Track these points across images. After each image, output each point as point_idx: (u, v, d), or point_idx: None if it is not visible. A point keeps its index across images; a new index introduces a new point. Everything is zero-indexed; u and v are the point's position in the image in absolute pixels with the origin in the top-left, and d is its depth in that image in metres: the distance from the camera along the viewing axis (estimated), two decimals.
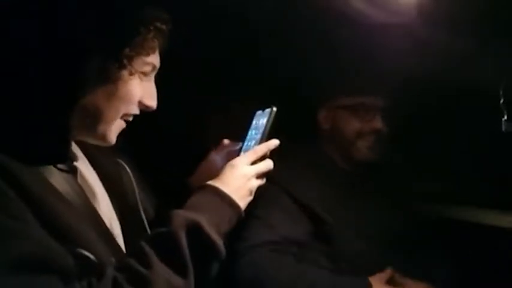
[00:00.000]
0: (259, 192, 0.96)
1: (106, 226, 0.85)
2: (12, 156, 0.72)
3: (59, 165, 0.81)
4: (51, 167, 0.79)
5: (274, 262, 1.30)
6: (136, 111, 0.87)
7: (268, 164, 0.97)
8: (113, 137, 0.86)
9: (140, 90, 0.85)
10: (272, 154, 0.99)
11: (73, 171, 0.84)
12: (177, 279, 0.78)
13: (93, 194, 0.87)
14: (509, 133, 1.30)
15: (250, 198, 0.94)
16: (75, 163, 0.85)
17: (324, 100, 1.53)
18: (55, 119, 0.76)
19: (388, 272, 1.34)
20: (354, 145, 1.48)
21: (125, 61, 0.80)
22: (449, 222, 1.57)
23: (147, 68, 0.85)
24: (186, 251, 0.80)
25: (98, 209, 0.85)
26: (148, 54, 0.84)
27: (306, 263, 1.36)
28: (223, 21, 1.47)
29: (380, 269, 1.35)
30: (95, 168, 0.92)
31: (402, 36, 1.34)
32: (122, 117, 0.85)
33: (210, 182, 0.92)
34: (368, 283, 1.31)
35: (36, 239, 0.69)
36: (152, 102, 0.88)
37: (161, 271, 0.77)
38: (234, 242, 1.33)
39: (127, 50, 0.79)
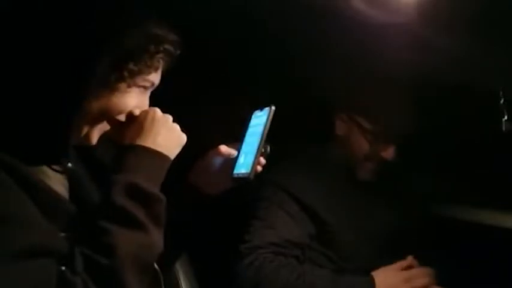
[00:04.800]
0: (261, 193, 0.95)
1: None
2: (9, 154, 0.72)
3: (54, 166, 0.81)
4: (46, 168, 0.80)
5: (275, 264, 1.30)
6: (123, 118, 0.86)
7: None
8: (94, 138, 0.85)
9: (134, 102, 0.85)
10: (274, 154, 0.99)
11: (69, 172, 0.84)
12: (139, 235, 0.76)
13: (89, 196, 0.87)
14: (509, 133, 1.30)
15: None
16: (70, 165, 0.85)
17: (339, 107, 1.49)
18: (57, 120, 0.76)
19: (397, 265, 1.34)
20: (359, 164, 1.46)
21: (126, 74, 0.80)
22: (450, 222, 1.57)
23: (146, 84, 0.85)
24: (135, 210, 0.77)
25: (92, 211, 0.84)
26: (150, 73, 0.84)
27: (308, 264, 1.36)
28: (230, 20, 1.45)
29: None
30: (92, 170, 0.92)
31: (401, 36, 1.34)
32: (108, 122, 0.85)
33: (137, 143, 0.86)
34: (372, 282, 1.30)
35: (37, 227, 0.70)
36: None
37: (121, 234, 0.75)
38: (236, 243, 1.33)
39: (131, 65, 0.79)
